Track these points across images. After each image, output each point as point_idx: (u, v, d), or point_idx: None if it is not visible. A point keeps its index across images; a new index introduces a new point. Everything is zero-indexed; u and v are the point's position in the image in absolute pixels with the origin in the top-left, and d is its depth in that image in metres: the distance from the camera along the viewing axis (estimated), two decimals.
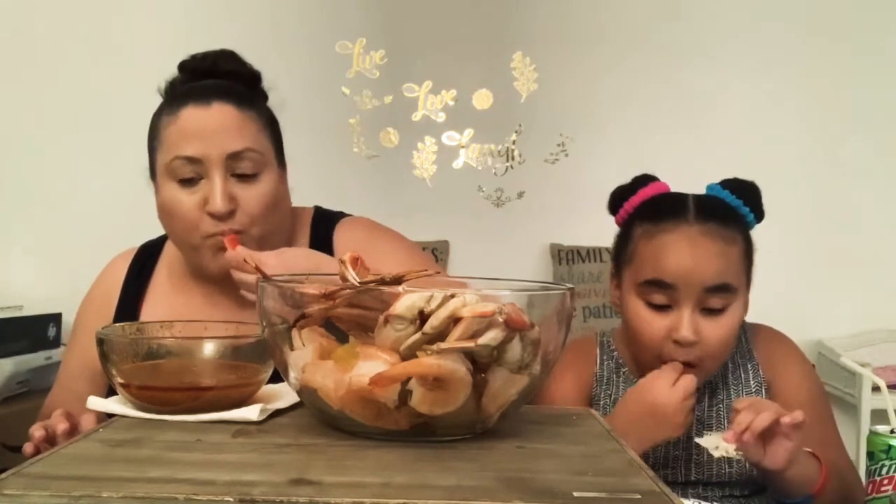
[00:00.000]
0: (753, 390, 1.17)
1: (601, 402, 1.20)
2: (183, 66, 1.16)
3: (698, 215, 1.11)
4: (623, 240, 1.17)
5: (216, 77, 1.15)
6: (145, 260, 1.22)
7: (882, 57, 2.65)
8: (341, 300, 0.67)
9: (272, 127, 1.14)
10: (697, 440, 1.03)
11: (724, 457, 1.00)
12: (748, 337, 1.22)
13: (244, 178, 1.07)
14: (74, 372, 1.19)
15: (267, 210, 1.08)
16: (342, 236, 1.18)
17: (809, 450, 1.05)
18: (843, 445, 1.19)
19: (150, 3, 2.73)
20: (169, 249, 1.21)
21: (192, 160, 1.05)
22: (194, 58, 1.16)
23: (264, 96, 1.19)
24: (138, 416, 0.75)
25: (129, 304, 1.18)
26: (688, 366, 1.08)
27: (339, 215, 1.23)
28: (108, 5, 2.72)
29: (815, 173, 2.66)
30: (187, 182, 1.06)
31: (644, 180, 1.19)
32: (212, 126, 1.06)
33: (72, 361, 1.21)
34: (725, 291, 1.08)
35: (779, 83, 2.65)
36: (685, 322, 1.07)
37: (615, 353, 1.24)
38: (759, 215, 1.17)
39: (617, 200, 1.20)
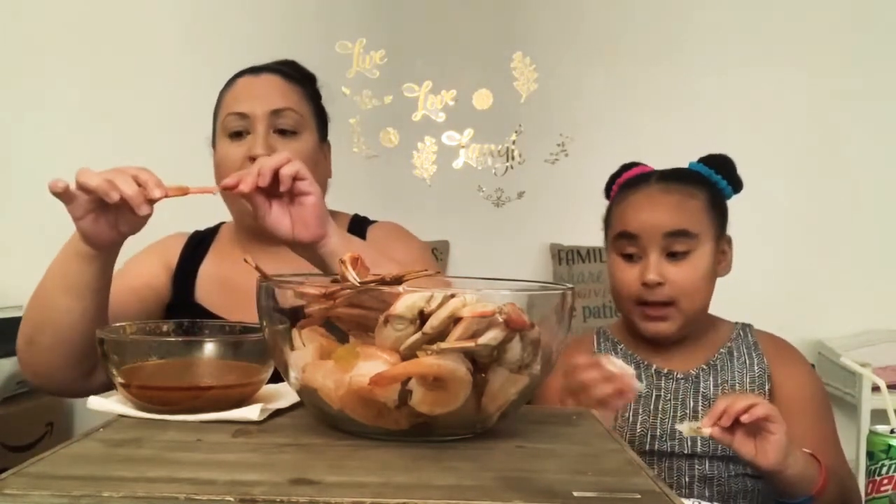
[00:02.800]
0: (757, 374, 1.23)
1: None
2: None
3: (660, 179, 1.26)
4: (607, 212, 1.32)
5: None
6: (199, 241, 1.34)
7: (884, 53, 2.65)
8: (341, 300, 0.67)
9: (316, 105, 1.30)
10: (677, 426, 1.07)
11: (694, 435, 1.06)
12: (752, 334, 1.29)
13: (284, 134, 1.22)
14: (121, 289, 1.19)
15: (304, 164, 1.17)
16: (373, 234, 1.32)
17: (809, 451, 1.06)
18: (841, 449, 1.21)
19: (152, 4, 2.73)
20: (221, 234, 1.36)
21: (241, 115, 1.21)
22: (265, 64, 1.32)
23: (317, 94, 1.33)
24: (138, 416, 0.75)
25: (186, 273, 1.29)
26: (662, 306, 1.20)
27: (373, 220, 1.38)
28: (111, 3, 2.72)
29: (815, 172, 2.66)
30: (236, 136, 1.22)
31: (630, 165, 1.35)
32: (259, 88, 1.24)
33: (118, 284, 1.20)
34: (685, 236, 1.20)
35: (779, 82, 2.65)
36: (651, 266, 1.20)
37: (612, 337, 1.32)
38: (735, 185, 1.28)
39: (609, 184, 1.36)
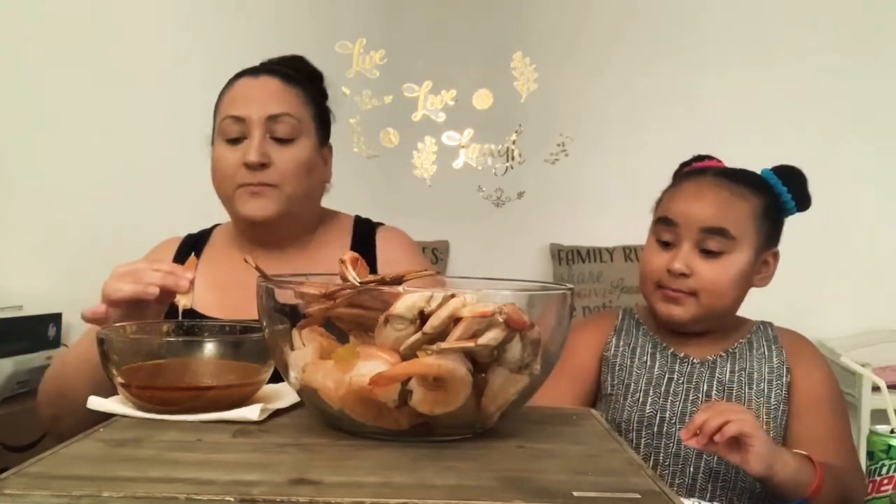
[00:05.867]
0: (776, 366, 1.24)
1: (620, 349, 1.28)
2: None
3: (716, 174, 1.24)
4: (660, 197, 1.30)
5: None
6: (192, 245, 1.33)
7: (882, 56, 2.65)
8: (341, 300, 0.67)
9: (317, 108, 1.28)
10: None
11: None
12: (773, 329, 1.30)
13: (281, 141, 1.20)
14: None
15: (298, 172, 1.21)
16: (384, 240, 1.31)
17: (802, 452, 1.07)
18: (853, 448, 1.21)
19: (154, 3, 2.73)
20: (215, 236, 1.35)
21: (237, 119, 1.20)
22: (270, 60, 1.32)
23: (323, 94, 1.32)
24: (138, 416, 0.75)
25: None
26: (679, 293, 1.19)
27: (378, 223, 1.36)
28: (112, 3, 2.72)
29: (814, 172, 2.63)
30: (233, 141, 1.20)
31: (701, 157, 1.33)
32: (257, 92, 1.22)
33: None
34: (722, 235, 1.18)
35: (779, 83, 2.65)
36: (680, 255, 1.19)
37: (637, 316, 1.33)
38: (802, 201, 1.29)
39: (676, 173, 1.33)
